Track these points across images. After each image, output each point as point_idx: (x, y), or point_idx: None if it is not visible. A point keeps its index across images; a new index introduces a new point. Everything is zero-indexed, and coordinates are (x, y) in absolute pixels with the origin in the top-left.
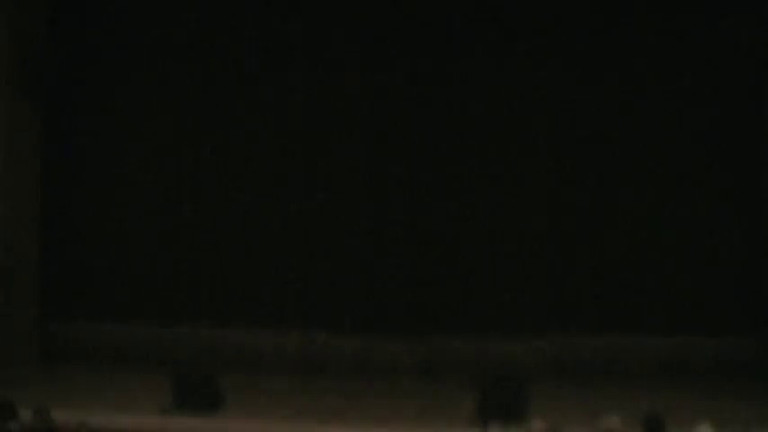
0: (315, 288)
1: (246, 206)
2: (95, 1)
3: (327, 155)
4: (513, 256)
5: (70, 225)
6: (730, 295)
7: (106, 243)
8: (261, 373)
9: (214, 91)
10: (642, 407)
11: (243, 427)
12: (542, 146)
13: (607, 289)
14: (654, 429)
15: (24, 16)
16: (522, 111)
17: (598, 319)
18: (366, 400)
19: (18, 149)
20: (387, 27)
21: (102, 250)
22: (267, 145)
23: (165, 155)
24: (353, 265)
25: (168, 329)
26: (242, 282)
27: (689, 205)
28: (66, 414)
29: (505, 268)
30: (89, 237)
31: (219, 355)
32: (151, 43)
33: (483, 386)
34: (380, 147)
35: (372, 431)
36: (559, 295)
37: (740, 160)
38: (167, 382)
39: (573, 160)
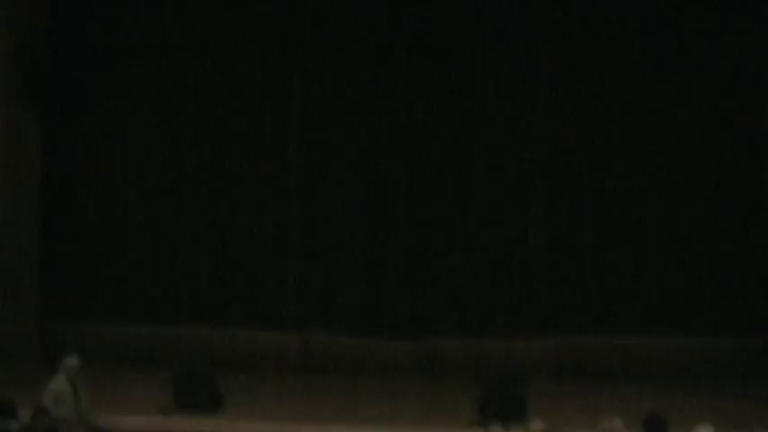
0: (315, 288)
1: (247, 206)
2: (96, 1)
3: (327, 155)
4: (513, 256)
5: (70, 225)
6: (730, 296)
7: (106, 243)
8: (261, 373)
9: (215, 92)
10: (643, 407)
11: (243, 427)
12: (542, 149)
13: (607, 289)
14: (655, 430)
15: (24, 17)
16: (523, 114)
17: (598, 320)
18: (366, 400)
19: (18, 149)
20: (385, 26)
21: (103, 250)
22: (267, 146)
23: (165, 155)
24: (354, 264)
25: (168, 329)
26: (242, 282)
27: (688, 206)
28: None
29: (506, 268)
30: (89, 237)
31: (219, 355)
32: (152, 45)
33: (483, 386)
34: (379, 148)
35: (372, 431)
36: (559, 295)
37: (740, 161)
38: (167, 382)
39: (572, 162)
